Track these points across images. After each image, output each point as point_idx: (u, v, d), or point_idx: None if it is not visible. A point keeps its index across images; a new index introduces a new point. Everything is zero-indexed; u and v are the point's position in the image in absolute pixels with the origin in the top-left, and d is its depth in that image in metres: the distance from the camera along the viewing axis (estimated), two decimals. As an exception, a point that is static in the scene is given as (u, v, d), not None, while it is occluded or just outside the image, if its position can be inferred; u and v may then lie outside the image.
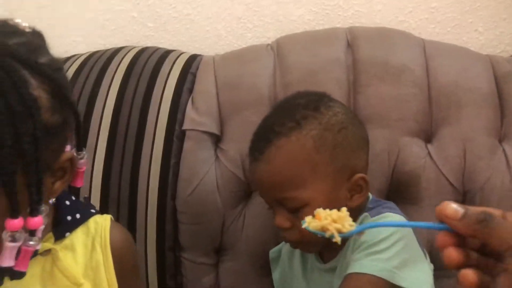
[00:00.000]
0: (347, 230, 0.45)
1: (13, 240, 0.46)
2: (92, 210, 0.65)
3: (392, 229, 0.65)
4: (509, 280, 0.36)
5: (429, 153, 0.86)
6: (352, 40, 0.94)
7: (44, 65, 0.49)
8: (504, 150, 0.85)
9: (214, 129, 0.91)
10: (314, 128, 0.68)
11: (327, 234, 0.46)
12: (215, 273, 0.90)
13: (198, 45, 1.10)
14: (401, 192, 0.86)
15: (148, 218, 0.88)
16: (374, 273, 0.63)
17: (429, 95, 0.88)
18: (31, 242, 0.48)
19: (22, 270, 0.49)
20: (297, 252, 0.80)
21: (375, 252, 0.64)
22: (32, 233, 0.48)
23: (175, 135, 0.90)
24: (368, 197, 0.73)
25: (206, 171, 0.89)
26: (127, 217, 0.88)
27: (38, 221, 0.48)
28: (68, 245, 0.59)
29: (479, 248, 0.40)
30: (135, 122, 0.90)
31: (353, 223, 0.46)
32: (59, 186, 0.54)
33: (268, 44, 0.99)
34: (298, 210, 0.67)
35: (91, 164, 0.88)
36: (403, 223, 0.68)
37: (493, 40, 1.08)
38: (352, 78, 0.91)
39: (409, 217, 0.75)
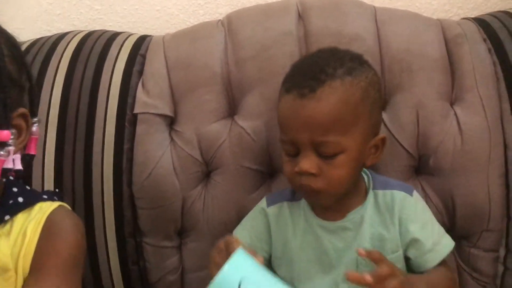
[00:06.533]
0: None
1: None
2: (44, 196, 0.64)
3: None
4: None
5: (382, 120, 0.86)
6: (303, 11, 0.93)
7: None
8: (455, 113, 0.86)
9: (167, 111, 0.89)
10: (362, 80, 0.71)
11: None
12: (179, 255, 0.90)
13: (148, 25, 1.07)
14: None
15: (105, 206, 0.86)
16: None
17: (381, 63, 0.88)
18: (1, 153, 0.57)
19: None
20: (286, 215, 0.78)
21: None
22: (1, 144, 0.57)
23: (126, 120, 0.88)
24: None
25: (161, 154, 0.87)
26: (83, 207, 0.86)
27: (6, 135, 0.57)
28: (6, 230, 0.60)
29: None
30: (85, 109, 0.88)
31: None
32: (15, 145, 0.59)
33: (219, 20, 0.97)
34: (331, 157, 0.68)
35: (42, 155, 0.85)
36: None
37: (445, 4, 1.08)
38: (305, 50, 0.89)
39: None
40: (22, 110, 0.60)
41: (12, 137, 0.57)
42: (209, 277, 0.91)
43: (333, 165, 0.68)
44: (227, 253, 0.63)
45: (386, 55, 0.88)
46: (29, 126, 0.61)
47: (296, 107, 0.68)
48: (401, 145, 0.85)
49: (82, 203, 0.86)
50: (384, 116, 0.86)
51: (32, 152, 0.64)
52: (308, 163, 0.68)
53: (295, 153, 0.70)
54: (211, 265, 0.66)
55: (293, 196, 0.80)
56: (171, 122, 0.90)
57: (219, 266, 0.60)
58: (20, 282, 0.58)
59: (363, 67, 0.73)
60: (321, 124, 0.67)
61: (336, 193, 0.71)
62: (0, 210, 0.60)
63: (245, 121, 0.89)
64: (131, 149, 0.87)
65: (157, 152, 0.87)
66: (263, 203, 0.82)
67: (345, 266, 0.74)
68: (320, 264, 0.76)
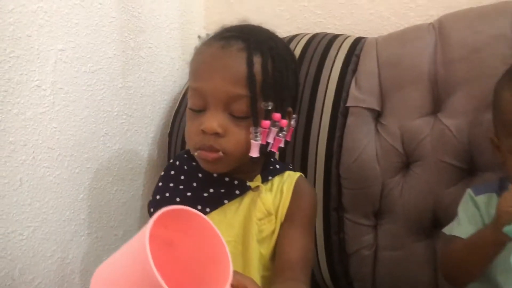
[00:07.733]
0: None
1: (275, 126, 0.77)
2: (290, 167, 0.86)
3: None
4: None
5: None
6: (521, 13, 0.93)
7: None
8: None
9: (375, 105, 1.01)
10: None
11: None
12: (374, 233, 1.02)
13: (361, 27, 1.19)
14: None
15: (316, 181, 1.03)
16: None
17: None
18: (280, 134, 0.78)
19: (274, 150, 0.79)
20: (495, 205, 0.80)
21: None
22: (281, 129, 0.78)
23: (340, 111, 1.02)
24: None
25: (366, 143, 1.00)
26: (299, 180, 1.04)
27: (284, 123, 0.78)
28: (269, 186, 0.81)
29: None
30: (307, 99, 1.05)
31: None
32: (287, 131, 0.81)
33: (430, 23, 1.04)
34: None
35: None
36: None
37: None
38: (519, 53, 0.91)
39: None
40: (289, 108, 0.81)
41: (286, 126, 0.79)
42: (404, 256, 1.00)
43: None
44: None
45: None
46: (290, 119, 0.81)
47: None
48: None
49: (298, 177, 1.04)
50: None
51: (288, 139, 0.83)
52: None
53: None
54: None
55: (501, 189, 0.83)
56: (377, 115, 1.02)
57: None
58: (278, 224, 0.79)
59: None
60: None
61: None
62: (265, 173, 0.82)
63: (449, 119, 0.95)
64: (341, 136, 1.02)
65: (363, 141, 1.00)
66: (469, 194, 0.86)
67: None
68: None
